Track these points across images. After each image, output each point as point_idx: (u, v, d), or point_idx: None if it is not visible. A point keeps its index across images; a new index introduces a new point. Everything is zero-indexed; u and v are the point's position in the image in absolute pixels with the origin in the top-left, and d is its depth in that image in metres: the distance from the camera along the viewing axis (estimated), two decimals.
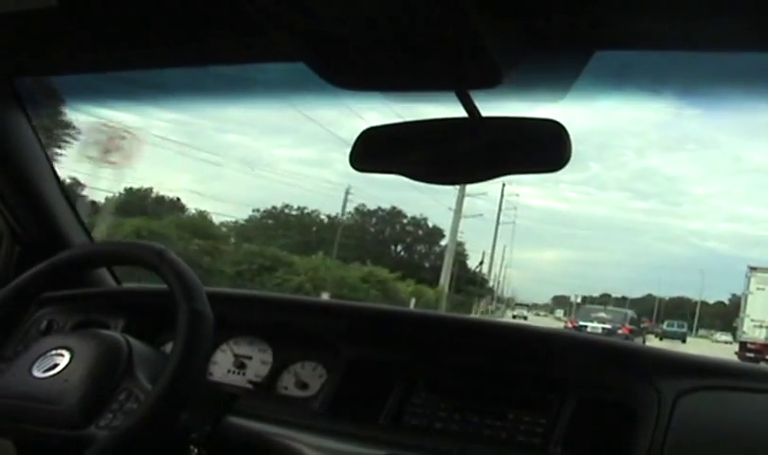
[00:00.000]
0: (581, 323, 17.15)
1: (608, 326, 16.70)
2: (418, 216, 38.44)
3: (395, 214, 38.35)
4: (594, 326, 16.65)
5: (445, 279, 26.70)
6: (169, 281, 1.04)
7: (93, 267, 1.52)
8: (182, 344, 0.99)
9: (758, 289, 19.09)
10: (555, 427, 1.10)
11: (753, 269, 19.45)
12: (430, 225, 41.13)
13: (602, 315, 18.39)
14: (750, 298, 19.26)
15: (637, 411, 1.06)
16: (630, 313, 20.83)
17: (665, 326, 36.48)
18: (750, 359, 15.06)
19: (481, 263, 39.40)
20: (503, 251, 45.73)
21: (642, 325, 21.43)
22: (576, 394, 1.12)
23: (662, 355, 1.17)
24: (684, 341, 30.93)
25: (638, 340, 15.62)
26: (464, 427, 1.14)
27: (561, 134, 0.87)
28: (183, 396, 0.99)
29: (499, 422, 1.13)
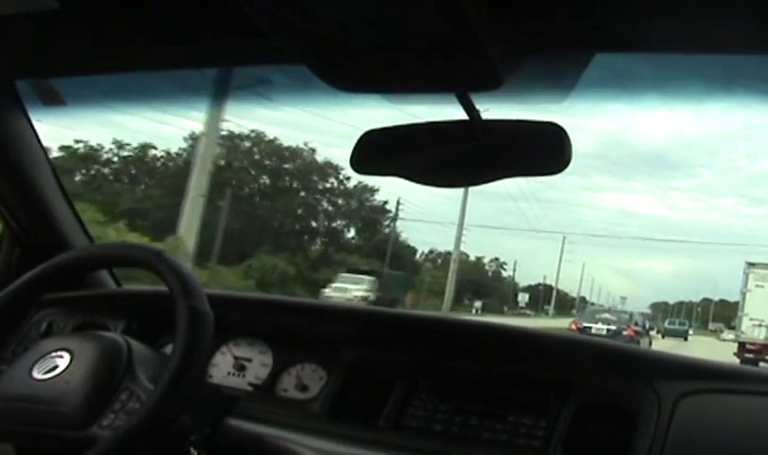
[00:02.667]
0: (585, 325, 16.94)
1: (612, 327, 16.50)
2: (303, 148, 27.00)
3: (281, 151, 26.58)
4: (598, 328, 16.45)
5: (187, 227, 14.89)
6: (167, 280, 1.04)
7: (92, 270, 1.52)
8: (183, 342, 0.99)
9: (756, 286, 18.02)
10: (555, 429, 1.10)
11: (751, 265, 18.40)
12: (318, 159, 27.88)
13: (607, 316, 18.11)
14: (748, 296, 18.15)
15: (637, 414, 1.06)
16: (636, 314, 20.46)
17: (666, 324, 36.20)
18: (749, 360, 14.65)
19: (394, 217, 28.92)
20: (563, 243, 41.52)
21: (647, 327, 21.02)
22: (575, 397, 1.12)
23: (662, 358, 1.17)
24: (685, 339, 30.75)
25: (644, 341, 15.36)
26: (464, 429, 1.14)
27: (562, 136, 0.87)
28: (185, 393, 0.99)
29: (499, 424, 1.13)
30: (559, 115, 0.91)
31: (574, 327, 17.26)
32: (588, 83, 0.90)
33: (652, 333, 23.87)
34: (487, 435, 1.12)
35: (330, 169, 28.48)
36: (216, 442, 1.13)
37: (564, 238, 42.10)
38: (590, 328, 16.38)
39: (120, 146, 24.68)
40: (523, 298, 41.76)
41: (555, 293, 44.87)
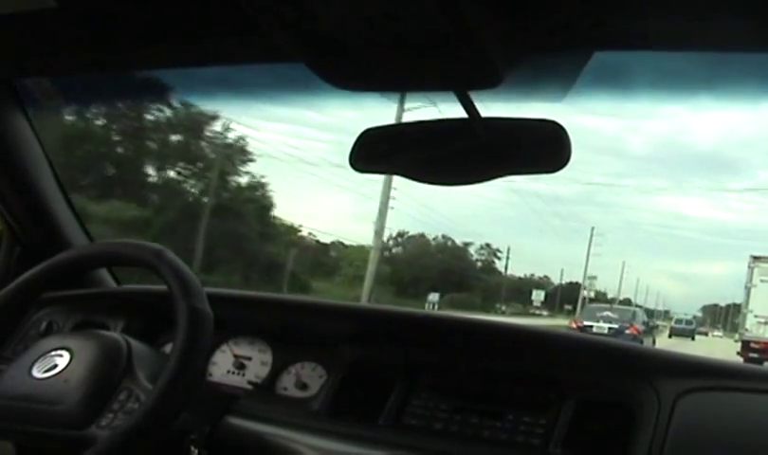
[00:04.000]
0: (586, 323, 16.22)
1: (614, 326, 15.84)
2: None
3: None
4: (599, 326, 15.81)
5: None
6: (167, 280, 1.04)
7: (92, 268, 1.52)
8: (182, 342, 0.99)
9: (762, 281, 16.48)
10: (554, 427, 1.10)
11: (756, 259, 16.81)
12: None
13: (608, 314, 17.29)
14: (753, 291, 16.63)
15: (637, 412, 1.06)
16: (639, 311, 19.41)
17: (673, 323, 35.28)
18: (753, 360, 13.80)
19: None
20: (591, 233, 36.80)
21: (651, 325, 19.92)
22: (575, 395, 1.12)
23: (661, 356, 1.17)
24: (693, 338, 29.54)
25: (647, 340, 14.74)
26: (463, 427, 1.14)
27: (561, 134, 0.87)
28: (184, 394, 0.99)
29: (498, 422, 1.13)
30: (559, 112, 0.91)
31: (574, 325, 16.56)
32: (585, 81, 0.89)
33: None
34: (487, 433, 1.12)
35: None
36: (216, 440, 1.13)
37: (593, 229, 37.57)
38: (591, 326, 15.70)
39: None
40: (538, 296, 36.87)
41: (582, 291, 38.09)
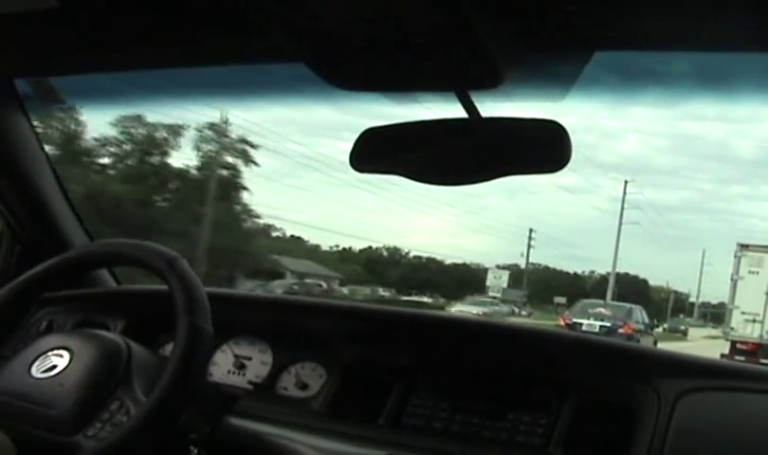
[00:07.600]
0: (575, 321, 14.86)
1: (607, 324, 14.54)
2: None
3: None
4: (590, 324, 14.49)
5: None
6: (174, 291, 1.03)
7: (97, 267, 1.52)
8: (177, 360, 0.98)
9: (750, 273, 14.22)
10: (555, 427, 1.10)
11: (743, 247, 14.44)
12: None
13: (601, 311, 15.86)
14: (740, 284, 14.33)
15: (637, 412, 1.06)
16: (637, 309, 17.38)
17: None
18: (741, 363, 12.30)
19: None
20: (624, 187, 29.11)
21: (650, 324, 17.54)
22: (575, 395, 1.12)
23: (662, 356, 1.17)
24: None
25: (646, 341, 13.66)
26: (463, 427, 1.14)
27: (561, 134, 0.87)
28: (174, 411, 0.99)
29: (499, 422, 1.13)
30: (559, 111, 0.90)
31: (562, 322, 15.13)
32: (586, 80, 0.89)
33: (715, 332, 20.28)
34: (487, 433, 1.13)
35: None
36: (216, 440, 1.13)
37: (626, 182, 30.88)
38: (580, 324, 14.29)
39: None
40: (498, 279, 27.87)
41: (612, 281, 29.19)
